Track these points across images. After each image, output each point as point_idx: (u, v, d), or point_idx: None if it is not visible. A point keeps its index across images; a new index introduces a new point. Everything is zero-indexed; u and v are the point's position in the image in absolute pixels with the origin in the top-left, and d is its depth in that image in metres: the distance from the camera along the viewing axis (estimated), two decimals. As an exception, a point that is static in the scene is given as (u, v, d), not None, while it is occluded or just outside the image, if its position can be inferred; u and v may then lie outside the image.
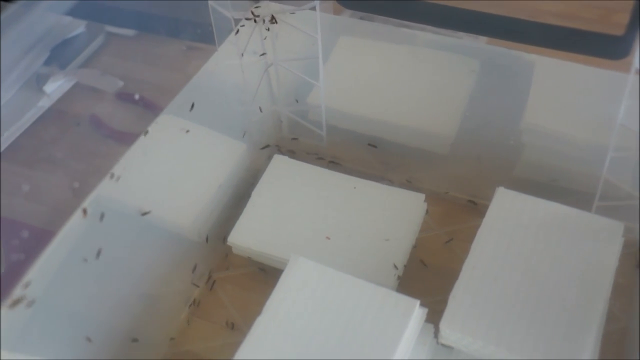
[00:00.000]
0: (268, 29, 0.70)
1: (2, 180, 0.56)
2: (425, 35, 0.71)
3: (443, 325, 0.54)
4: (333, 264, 0.58)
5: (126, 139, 0.62)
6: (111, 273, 0.59)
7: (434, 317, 0.56)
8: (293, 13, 0.68)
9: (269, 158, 0.76)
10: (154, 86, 0.69)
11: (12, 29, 0.56)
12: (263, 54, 0.72)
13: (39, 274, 0.51)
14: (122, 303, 0.61)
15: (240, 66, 0.71)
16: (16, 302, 0.50)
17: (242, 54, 0.70)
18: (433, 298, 0.57)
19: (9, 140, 0.63)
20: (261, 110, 0.76)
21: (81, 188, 0.58)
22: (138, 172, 0.60)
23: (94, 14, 0.72)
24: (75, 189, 0.58)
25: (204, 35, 0.69)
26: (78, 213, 0.55)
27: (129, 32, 0.73)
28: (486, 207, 0.62)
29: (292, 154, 0.79)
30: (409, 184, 0.76)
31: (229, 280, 0.70)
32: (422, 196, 0.70)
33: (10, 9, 0.56)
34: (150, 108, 0.66)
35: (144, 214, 0.61)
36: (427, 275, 0.68)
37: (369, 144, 0.76)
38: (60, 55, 0.69)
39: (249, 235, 0.69)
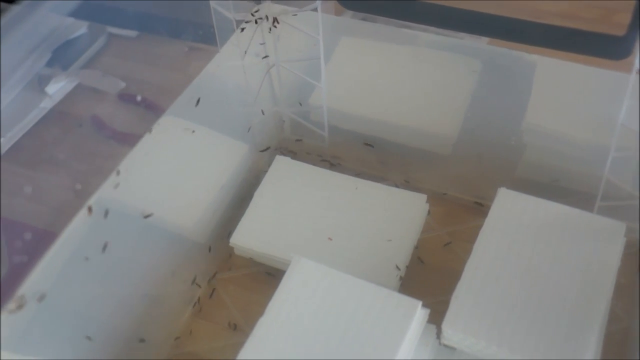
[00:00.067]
0: (270, 30, 0.70)
1: (4, 181, 0.56)
2: (427, 36, 0.71)
3: (445, 325, 0.54)
4: (335, 265, 0.58)
5: (128, 139, 0.62)
6: (114, 273, 0.59)
7: (436, 317, 0.56)
8: (295, 15, 0.68)
9: (271, 159, 0.76)
10: (156, 87, 0.69)
11: (14, 31, 0.56)
12: (265, 57, 0.72)
13: (42, 274, 0.51)
14: (124, 303, 0.61)
15: (242, 67, 0.71)
16: (18, 307, 0.50)
17: (245, 54, 0.70)
18: (435, 299, 0.57)
19: (11, 142, 0.63)
20: (263, 113, 0.76)
21: (83, 189, 0.58)
22: (140, 173, 0.60)
23: (96, 15, 0.72)
24: (78, 190, 0.58)
25: (205, 36, 0.69)
26: (81, 213, 0.55)
27: (131, 33, 0.73)
28: (488, 208, 0.62)
29: (293, 154, 0.79)
30: (410, 185, 0.76)
31: (231, 281, 0.70)
32: (423, 197, 0.70)
33: (12, 11, 0.56)
34: (152, 109, 0.66)
35: (147, 216, 0.61)
36: (429, 275, 0.68)
37: (365, 143, 0.76)
38: (62, 56, 0.69)
39: (251, 236, 0.69)
